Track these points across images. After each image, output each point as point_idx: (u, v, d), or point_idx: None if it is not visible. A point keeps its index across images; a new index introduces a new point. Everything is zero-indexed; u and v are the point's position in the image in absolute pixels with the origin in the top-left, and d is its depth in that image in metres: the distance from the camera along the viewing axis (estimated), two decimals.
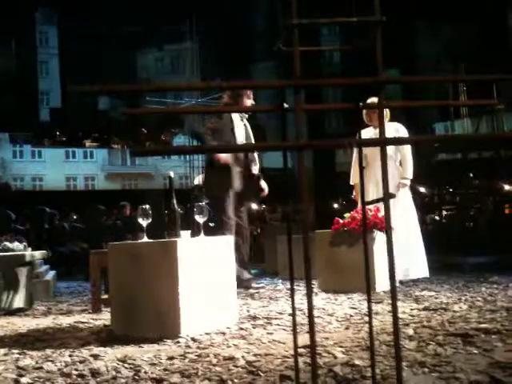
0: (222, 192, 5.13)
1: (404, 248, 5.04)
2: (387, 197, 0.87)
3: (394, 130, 5.34)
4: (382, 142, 0.92)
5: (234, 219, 5.15)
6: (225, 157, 5.07)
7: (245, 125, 5.41)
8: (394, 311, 0.84)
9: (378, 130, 4.44)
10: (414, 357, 2.15)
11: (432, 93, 22.78)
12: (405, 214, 5.25)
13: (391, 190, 5.19)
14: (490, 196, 12.62)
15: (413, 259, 5.15)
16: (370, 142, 1.09)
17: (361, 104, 1.07)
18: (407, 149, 5.38)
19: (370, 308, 1.10)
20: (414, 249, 5.22)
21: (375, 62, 0.86)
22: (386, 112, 5.27)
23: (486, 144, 15.57)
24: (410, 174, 5.38)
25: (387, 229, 0.91)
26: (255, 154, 5.43)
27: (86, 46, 37.06)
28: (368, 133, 5.33)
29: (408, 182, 5.39)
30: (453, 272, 5.61)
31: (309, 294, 0.82)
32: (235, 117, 5.31)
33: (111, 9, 35.37)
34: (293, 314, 1.10)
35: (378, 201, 1.00)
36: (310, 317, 0.80)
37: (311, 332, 0.79)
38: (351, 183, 5.66)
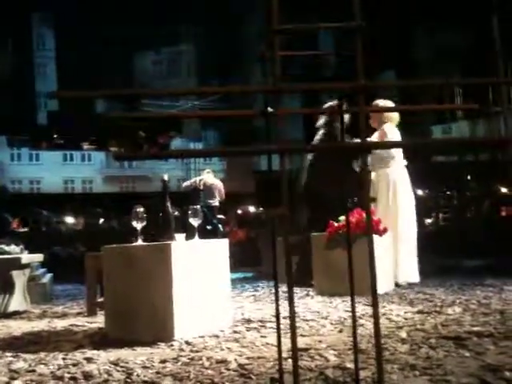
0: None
1: (397, 251, 5.03)
2: (369, 200, 0.88)
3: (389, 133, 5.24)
4: (365, 147, 0.93)
5: None
6: None
7: None
8: (375, 313, 0.85)
9: (376, 133, 4.37)
10: (406, 360, 2.15)
11: (428, 95, 22.82)
12: (402, 216, 5.18)
13: (404, 191, 5.19)
14: (486, 198, 12.63)
15: (404, 263, 5.10)
16: (353, 146, 1.09)
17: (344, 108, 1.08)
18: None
19: (353, 309, 1.11)
20: (403, 253, 5.14)
21: (356, 68, 0.87)
22: (391, 116, 5.23)
23: (483, 146, 15.59)
24: None
25: (369, 233, 0.92)
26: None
27: (84, 49, 37.14)
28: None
29: None
30: (448, 275, 5.61)
31: (290, 297, 0.82)
32: None
33: (108, 12, 35.46)
34: (277, 318, 1.11)
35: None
36: (292, 320, 0.81)
37: (293, 336, 0.79)
38: None
